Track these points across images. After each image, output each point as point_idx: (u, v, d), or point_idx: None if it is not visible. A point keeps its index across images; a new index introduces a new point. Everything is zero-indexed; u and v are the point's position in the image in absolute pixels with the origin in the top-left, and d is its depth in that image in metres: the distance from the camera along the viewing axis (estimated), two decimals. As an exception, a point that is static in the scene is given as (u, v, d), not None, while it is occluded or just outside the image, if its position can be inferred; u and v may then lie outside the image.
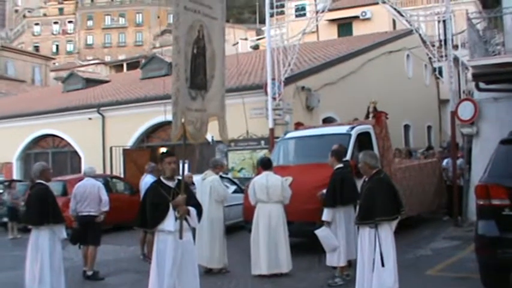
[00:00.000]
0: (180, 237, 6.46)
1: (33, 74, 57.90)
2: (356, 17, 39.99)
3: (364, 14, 39.48)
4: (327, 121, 21.24)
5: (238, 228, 14.36)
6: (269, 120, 18.29)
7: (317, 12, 19.48)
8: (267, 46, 18.98)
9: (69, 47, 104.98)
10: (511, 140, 8.12)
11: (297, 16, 35.53)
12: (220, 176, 11.66)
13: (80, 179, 11.89)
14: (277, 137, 16.73)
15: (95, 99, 27.47)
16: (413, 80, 30.35)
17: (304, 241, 11.91)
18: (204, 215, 7.11)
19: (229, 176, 18.57)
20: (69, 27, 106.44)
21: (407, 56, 29.82)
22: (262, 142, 19.79)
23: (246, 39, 57.90)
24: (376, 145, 13.12)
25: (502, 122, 14.50)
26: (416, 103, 29.30)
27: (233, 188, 15.78)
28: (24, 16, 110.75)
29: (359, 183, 8.06)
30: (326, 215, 9.22)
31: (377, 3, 19.37)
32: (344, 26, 40.83)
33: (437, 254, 11.72)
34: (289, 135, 14.54)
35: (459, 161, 16.41)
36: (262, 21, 19.78)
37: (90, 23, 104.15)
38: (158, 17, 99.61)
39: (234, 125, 18.20)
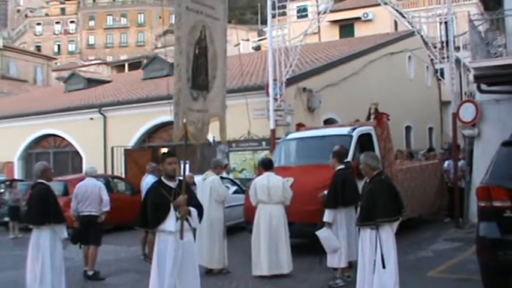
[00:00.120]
0: (181, 238, 6.46)
1: (35, 73, 57.97)
2: (358, 18, 39.99)
3: (365, 15, 39.47)
4: (328, 122, 21.25)
5: (239, 229, 14.36)
6: (270, 121, 18.30)
7: (319, 13, 19.49)
8: (268, 47, 18.98)
9: (71, 47, 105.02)
10: (512, 141, 8.11)
11: (298, 17, 35.59)
12: (221, 177, 11.67)
13: (81, 179, 11.89)
14: (279, 138, 16.73)
15: (97, 100, 27.49)
16: (414, 82, 30.33)
17: (305, 242, 11.90)
18: (203, 215, 7.11)
19: (231, 176, 18.56)
20: (71, 27, 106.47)
21: (409, 57, 29.80)
22: (264, 143, 19.80)
23: (247, 40, 57.87)
24: (378, 146, 13.11)
25: (504, 123, 14.50)
26: (418, 105, 29.29)
27: (233, 188, 15.79)
28: (26, 16, 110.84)
29: (360, 185, 8.06)
30: (327, 216, 9.22)
31: (379, 5, 19.38)
32: (346, 27, 40.84)
33: (439, 255, 11.71)
34: (290, 136, 14.54)
35: (460, 163, 16.40)
36: (264, 22, 19.83)
37: (92, 23, 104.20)
38: (160, 17, 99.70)
39: (236, 125, 18.26)
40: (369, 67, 24.92)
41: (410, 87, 29.25)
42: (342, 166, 9.60)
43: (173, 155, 6.97)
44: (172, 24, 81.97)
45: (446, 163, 17.11)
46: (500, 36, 16.83)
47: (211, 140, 18.90)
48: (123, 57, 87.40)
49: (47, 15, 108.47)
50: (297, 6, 36.74)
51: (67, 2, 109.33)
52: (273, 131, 18.20)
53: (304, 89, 20.47)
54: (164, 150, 17.39)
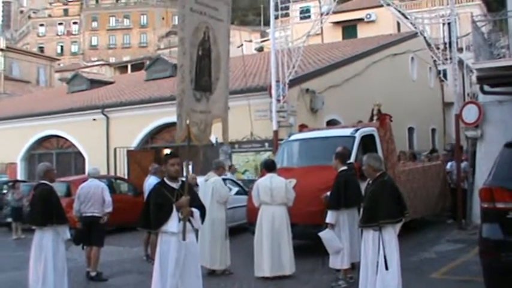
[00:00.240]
0: (184, 239, 6.46)
1: (38, 74, 58.03)
2: (361, 20, 40.03)
3: (368, 16, 39.50)
4: (331, 123, 21.24)
5: (242, 230, 14.36)
6: (273, 122, 18.28)
7: (321, 14, 19.47)
8: (271, 48, 18.97)
9: (74, 48, 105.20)
10: (515, 143, 8.09)
11: (301, 18, 35.63)
12: (223, 179, 11.68)
13: (84, 180, 11.91)
14: (281, 139, 16.73)
15: (99, 100, 27.52)
16: (417, 83, 30.31)
17: (307, 243, 11.90)
18: (206, 216, 7.11)
19: (233, 177, 18.56)
20: (74, 28, 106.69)
21: (412, 58, 29.79)
22: (266, 144, 19.79)
23: (250, 41, 57.90)
24: (380, 148, 13.10)
25: (507, 125, 14.49)
26: (421, 106, 29.27)
27: (236, 189, 15.79)
28: (29, 17, 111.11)
29: (363, 186, 8.07)
30: (330, 217, 9.21)
31: (382, 6, 19.37)
32: (348, 29, 40.87)
33: (442, 257, 11.70)
34: (293, 137, 14.54)
35: (463, 164, 16.39)
36: (267, 24, 19.77)
37: (94, 24, 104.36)
38: (163, 19, 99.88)
39: (238, 127, 18.25)
40: (372, 68, 24.92)
41: (413, 88, 29.23)
42: (345, 167, 9.60)
43: (176, 156, 6.97)
44: (175, 26, 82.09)
45: (449, 164, 17.10)
46: (503, 37, 16.80)
47: (214, 141, 18.90)
48: (125, 58, 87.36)
49: (50, 16, 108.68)
50: (300, 8, 36.85)
51: (70, 3, 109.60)
52: (276, 132, 18.18)
53: (307, 90, 20.46)
54: (167, 151, 17.44)
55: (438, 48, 17.13)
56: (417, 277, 9.61)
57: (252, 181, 14.76)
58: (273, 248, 10.05)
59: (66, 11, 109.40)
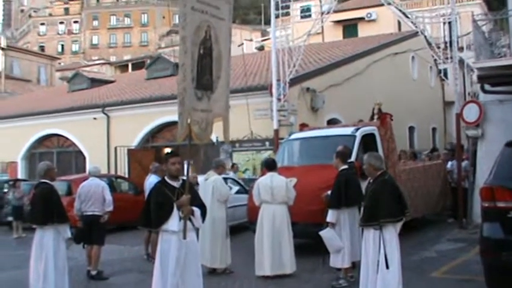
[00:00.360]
0: (184, 237, 6.46)
1: (38, 73, 58.05)
2: (361, 19, 40.00)
3: (369, 15, 39.47)
4: (332, 122, 21.24)
5: (242, 228, 14.37)
6: (274, 121, 18.28)
7: (322, 13, 19.41)
8: (272, 47, 18.97)
9: (75, 47, 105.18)
10: (516, 142, 8.09)
11: (302, 17, 35.51)
12: (224, 178, 11.69)
13: (85, 179, 11.91)
14: (282, 138, 16.73)
15: (100, 99, 27.51)
16: (418, 82, 30.32)
17: (308, 242, 11.89)
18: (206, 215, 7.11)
19: (235, 176, 18.57)
20: (75, 27, 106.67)
21: (413, 57, 29.79)
22: (267, 143, 19.80)
23: (251, 40, 57.84)
24: (381, 147, 13.10)
25: (507, 124, 14.48)
26: (421, 105, 29.27)
27: (236, 188, 15.80)
28: (30, 16, 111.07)
29: (364, 185, 8.07)
30: (330, 216, 9.21)
31: (382, 5, 19.33)
32: (349, 28, 40.84)
33: (442, 256, 11.70)
34: (293, 136, 14.54)
35: (464, 163, 16.38)
36: (268, 23, 19.77)
37: (95, 23, 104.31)
38: (164, 17, 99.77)
39: (239, 125, 18.28)
40: (373, 67, 24.92)
41: (413, 87, 29.24)
42: (346, 166, 9.59)
43: (176, 155, 6.98)
44: (176, 24, 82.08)
45: (449, 163, 17.10)
46: (504, 36, 16.81)
47: (214, 140, 18.90)
48: (126, 57, 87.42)
49: (50, 15, 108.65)
50: (301, 7, 36.70)
51: (71, 2, 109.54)
52: (277, 131, 18.18)
53: (308, 89, 20.46)
54: (167, 150, 17.41)
55: (439, 48, 17.13)
56: (418, 276, 9.62)
57: (253, 180, 14.76)
58: (273, 247, 10.05)
59: (66, 10, 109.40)
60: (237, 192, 15.46)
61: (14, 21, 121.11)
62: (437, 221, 16.35)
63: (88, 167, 22.52)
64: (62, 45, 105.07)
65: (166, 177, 6.91)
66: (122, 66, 75.76)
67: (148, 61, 40.42)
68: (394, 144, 13.72)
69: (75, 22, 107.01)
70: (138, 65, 66.93)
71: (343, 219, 9.27)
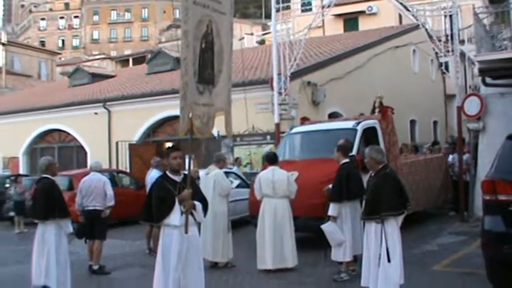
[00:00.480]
0: (186, 232, 6.46)
1: (39, 69, 57.99)
2: (362, 12, 39.85)
3: (370, 8, 39.34)
4: (333, 116, 21.23)
5: (244, 222, 14.38)
6: (275, 115, 18.27)
7: (323, 7, 19.37)
8: (273, 41, 18.95)
9: (75, 42, 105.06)
10: (517, 135, 8.08)
11: (302, 11, 35.50)
12: (226, 172, 11.69)
13: (86, 174, 11.93)
14: (283, 132, 16.73)
15: (101, 94, 27.53)
16: (419, 75, 30.28)
17: (310, 236, 11.91)
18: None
19: (238, 170, 18.60)
20: (75, 22, 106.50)
21: (414, 51, 29.74)
22: (268, 137, 19.80)
23: (251, 34, 57.79)
24: (382, 140, 13.10)
25: (509, 117, 14.47)
26: (423, 98, 29.25)
27: (237, 182, 15.81)
28: (30, 11, 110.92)
29: (365, 178, 8.06)
30: (332, 209, 9.22)
31: (383, -2, 19.32)
32: (350, 21, 40.70)
33: (444, 249, 11.71)
34: (295, 130, 14.53)
35: (465, 156, 16.39)
36: (268, 16, 19.67)
37: (96, 17, 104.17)
38: (164, 12, 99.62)
39: (240, 119, 18.28)
40: (374, 61, 24.88)
41: (414, 80, 29.20)
42: (347, 160, 9.59)
43: (178, 149, 6.98)
44: (176, 19, 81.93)
45: (451, 157, 17.10)
46: (505, 29, 16.77)
47: (215, 134, 18.91)
48: (127, 52, 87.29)
49: (51, 10, 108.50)
50: (301, 0, 36.65)
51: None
52: (278, 125, 18.18)
53: (309, 82, 20.45)
54: (169, 144, 17.42)
55: (440, 41, 17.13)
56: (419, 269, 9.63)
57: (254, 174, 14.76)
58: (275, 241, 10.06)
59: (67, 5, 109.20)
60: (238, 187, 15.46)
61: (15, 16, 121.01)
62: (438, 215, 16.37)
63: (89, 161, 22.59)
64: (63, 40, 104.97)
65: (167, 172, 6.90)
66: (123, 61, 75.67)
67: (149, 56, 40.30)
68: (395, 137, 13.71)
69: (76, 17, 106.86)
70: (138, 59, 66.80)
71: (345, 213, 9.28)
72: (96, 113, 25.89)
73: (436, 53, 18.96)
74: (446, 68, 26.35)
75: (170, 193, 6.58)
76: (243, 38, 44.77)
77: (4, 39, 54.78)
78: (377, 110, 16.05)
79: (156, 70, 29.98)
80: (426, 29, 17.63)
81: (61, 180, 14.49)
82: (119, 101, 25.41)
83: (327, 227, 9.19)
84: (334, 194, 9.28)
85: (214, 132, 18.09)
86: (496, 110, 15.26)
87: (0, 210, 20.28)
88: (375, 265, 6.94)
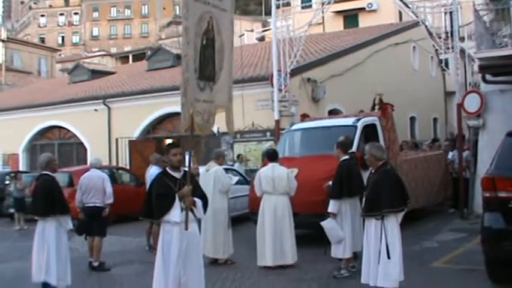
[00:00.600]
0: (186, 228, 6.46)
1: (39, 65, 58.02)
2: (362, 9, 39.83)
3: (370, 5, 39.32)
4: (333, 113, 21.23)
5: (244, 219, 14.38)
6: (275, 111, 18.28)
7: (323, 3, 19.35)
8: (273, 38, 18.94)
9: (75, 39, 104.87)
10: (517, 132, 8.09)
11: (303, 8, 35.46)
12: (226, 169, 11.68)
13: (86, 170, 11.91)
14: (283, 129, 16.73)
15: (101, 91, 27.54)
16: (419, 72, 30.27)
17: (309, 233, 11.91)
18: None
19: (241, 167, 18.59)
20: (75, 18, 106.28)
21: (414, 47, 29.73)
22: (268, 134, 19.81)
23: (251, 30, 57.68)
24: (382, 137, 13.10)
25: (509, 114, 14.47)
26: (422, 95, 29.25)
27: (236, 179, 15.79)
28: (30, 8, 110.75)
29: (365, 175, 8.06)
30: (332, 206, 9.22)
31: (383, -5, 19.30)
32: (350, 18, 40.68)
33: (443, 246, 11.72)
34: (295, 126, 14.54)
35: (465, 153, 16.38)
36: (268, 13, 19.68)
37: (95, 14, 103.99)
38: (164, 9, 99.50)
39: (240, 116, 18.28)
40: (374, 58, 24.88)
41: (414, 77, 29.20)
42: (347, 157, 9.59)
43: (178, 146, 6.98)
44: (176, 16, 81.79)
45: (450, 154, 17.11)
46: (505, 26, 16.76)
47: (215, 131, 18.92)
48: (127, 49, 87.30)
49: (50, 6, 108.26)
50: (301, -3, 36.63)
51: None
52: (278, 122, 18.19)
53: (309, 79, 20.45)
54: (169, 141, 17.45)
55: (440, 38, 17.09)
56: (419, 266, 9.63)
57: (253, 171, 14.76)
58: (275, 238, 10.06)
59: (67, 2, 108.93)
60: (237, 183, 15.45)
61: (14, 13, 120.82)
62: (438, 211, 16.38)
63: (89, 158, 22.59)
64: (63, 37, 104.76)
65: (167, 168, 6.90)
66: (123, 58, 75.73)
67: (149, 52, 40.39)
68: (395, 134, 13.72)
69: (76, 14, 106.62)
70: (138, 56, 66.87)
71: (345, 210, 9.29)
72: (96, 110, 25.89)
73: (436, 50, 18.94)
74: (446, 65, 26.29)
75: (170, 190, 6.57)
76: (243, 34, 44.66)
77: (4, 36, 54.83)
78: (377, 107, 16.03)
79: (156, 67, 29.98)
80: (426, 26, 17.62)
81: (61, 177, 14.52)
82: (119, 98, 25.41)
83: (326, 224, 9.20)
84: (334, 190, 9.29)
85: (214, 129, 18.09)
86: (496, 107, 15.26)
87: (0, 207, 20.31)
88: (375, 262, 6.94)
